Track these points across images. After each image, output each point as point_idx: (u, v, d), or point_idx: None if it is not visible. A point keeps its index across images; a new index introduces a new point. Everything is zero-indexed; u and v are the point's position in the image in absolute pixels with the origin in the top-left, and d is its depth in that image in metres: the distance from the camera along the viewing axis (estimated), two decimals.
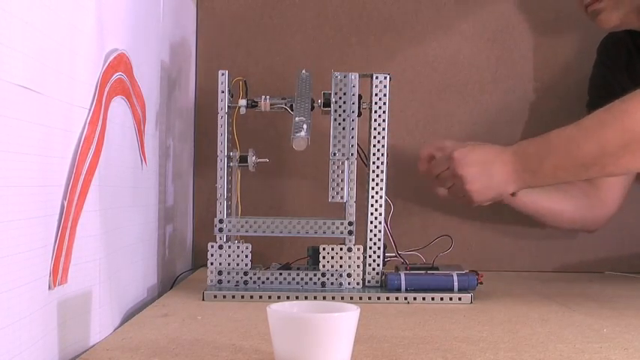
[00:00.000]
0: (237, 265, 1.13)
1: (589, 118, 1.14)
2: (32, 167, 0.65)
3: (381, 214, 1.15)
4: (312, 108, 1.13)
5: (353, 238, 1.13)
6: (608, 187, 1.42)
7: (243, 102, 1.14)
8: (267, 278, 1.13)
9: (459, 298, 1.10)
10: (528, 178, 1.17)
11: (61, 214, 0.71)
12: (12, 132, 0.60)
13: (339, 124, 1.13)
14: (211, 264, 1.12)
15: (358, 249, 1.13)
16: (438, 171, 1.24)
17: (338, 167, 1.13)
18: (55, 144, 0.70)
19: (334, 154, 1.13)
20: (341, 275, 1.13)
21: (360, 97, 1.14)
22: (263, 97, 1.15)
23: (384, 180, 1.15)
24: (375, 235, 1.15)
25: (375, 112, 1.15)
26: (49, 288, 0.69)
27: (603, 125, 1.11)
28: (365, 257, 1.14)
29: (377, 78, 1.14)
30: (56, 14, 0.70)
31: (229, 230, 1.13)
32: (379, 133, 1.14)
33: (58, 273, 0.71)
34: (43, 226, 0.67)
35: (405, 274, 1.12)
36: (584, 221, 1.46)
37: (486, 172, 1.18)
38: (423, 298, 1.10)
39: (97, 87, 0.82)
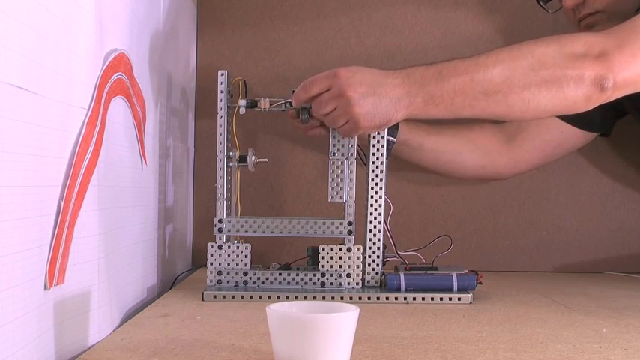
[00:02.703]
0: (237, 265, 1.12)
1: (499, 49, 1.08)
2: (27, 167, 0.65)
3: (380, 214, 1.15)
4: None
5: (352, 238, 1.13)
6: (521, 143, 1.40)
7: (242, 102, 1.14)
8: (267, 278, 1.13)
9: (459, 298, 1.10)
10: (421, 103, 1.05)
11: (57, 214, 0.71)
12: (7, 132, 0.60)
13: None
14: (211, 264, 1.12)
15: (358, 249, 1.13)
16: (318, 90, 1.08)
17: (337, 167, 1.13)
18: (51, 144, 0.70)
19: (334, 154, 1.13)
20: (340, 275, 1.13)
21: None
22: (262, 97, 1.15)
23: (384, 180, 1.15)
24: (374, 235, 1.15)
25: None
26: (45, 288, 0.69)
27: (514, 55, 1.05)
28: (364, 257, 1.14)
29: None
30: (53, 14, 0.70)
31: (229, 230, 1.13)
32: (379, 133, 1.14)
33: (54, 273, 0.71)
34: (38, 226, 0.67)
35: (405, 274, 1.12)
36: (484, 174, 1.44)
37: (376, 93, 1.05)
38: (423, 298, 1.10)
39: (96, 87, 0.82)
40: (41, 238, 0.68)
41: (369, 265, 1.15)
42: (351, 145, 1.13)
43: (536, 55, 1.05)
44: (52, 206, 0.71)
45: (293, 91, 1.12)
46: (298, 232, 1.13)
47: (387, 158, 1.15)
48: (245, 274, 1.13)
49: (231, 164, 1.15)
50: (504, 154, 1.41)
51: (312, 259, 1.17)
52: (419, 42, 1.54)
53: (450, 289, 1.11)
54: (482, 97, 1.05)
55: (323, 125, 1.19)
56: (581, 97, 1.04)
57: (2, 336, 0.60)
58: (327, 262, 1.13)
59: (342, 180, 1.13)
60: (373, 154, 1.15)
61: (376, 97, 1.05)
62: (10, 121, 0.61)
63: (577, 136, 1.41)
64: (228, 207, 1.15)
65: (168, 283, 1.28)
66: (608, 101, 1.06)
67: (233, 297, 1.09)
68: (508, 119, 1.31)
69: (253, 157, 1.15)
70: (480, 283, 1.13)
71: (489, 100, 1.05)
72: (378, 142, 1.14)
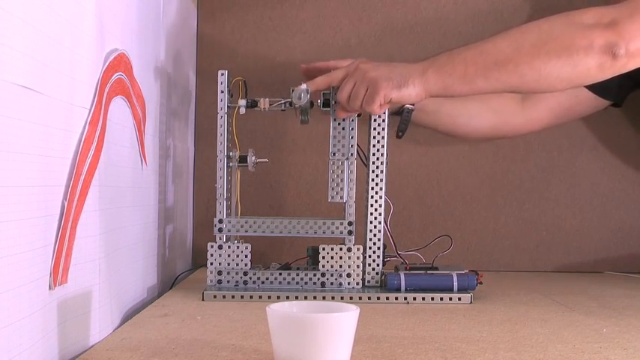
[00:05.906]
0: (237, 265, 1.13)
1: (506, 30, 1.12)
2: (32, 167, 0.65)
3: (380, 214, 1.15)
4: (312, 106, 1.14)
5: (353, 238, 1.13)
6: (535, 103, 1.40)
7: (242, 102, 1.14)
8: (267, 278, 1.13)
9: (459, 298, 1.10)
10: (434, 73, 1.09)
11: (61, 214, 0.72)
12: (12, 132, 0.60)
13: (339, 124, 1.14)
14: (211, 264, 1.13)
15: (358, 249, 1.13)
16: (342, 75, 1.13)
17: (337, 167, 1.13)
18: (55, 144, 0.70)
19: (334, 154, 1.14)
20: (341, 275, 1.13)
21: None
22: (262, 97, 1.15)
23: (384, 180, 1.15)
24: (374, 235, 1.15)
25: None
26: (50, 288, 0.69)
27: (522, 30, 1.09)
28: (365, 257, 1.14)
29: None
30: (56, 14, 0.70)
31: (229, 230, 1.13)
32: (379, 133, 1.14)
33: (58, 273, 0.71)
34: (43, 227, 0.67)
35: (405, 274, 1.12)
36: (497, 134, 1.46)
37: (390, 66, 1.13)
38: (423, 298, 1.10)
39: (97, 87, 0.82)
40: (46, 238, 0.68)
41: (369, 265, 1.15)
42: (351, 145, 1.13)
43: (543, 28, 1.07)
44: (56, 206, 0.71)
45: (292, 90, 1.12)
46: (298, 232, 1.13)
47: (407, 126, 1.16)
48: (245, 274, 1.13)
49: (231, 164, 1.15)
50: (518, 113, 1.42)
51: (312, 259, 1.18)
52: (419, 42, 1.54)
53: (450, 289, 1.11)
54: (494, 66, 1.08)
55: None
56: (594, 65, 1.05)
57: (10, 336, 0.60)
58: (327, 262, 1.13)
59: (342, 180, 1.13)
60: (373, 154, 1.15)
61: (391, 67, 1.11)
62: (17, 121, 0.61)
63: (590, 100, 1.41)
64: (228, 207, 1.15)
65: (168, 283, 1.28)
66: (626, 70, 1.06)
67: (233, 297, 1.09)
68: (524, 91, 1.31)
69: (253, 157, 1.15)
70: (480, 283, 1.13)
71: (502, 71, 1.08)
72: (378, 142, 1.14)
